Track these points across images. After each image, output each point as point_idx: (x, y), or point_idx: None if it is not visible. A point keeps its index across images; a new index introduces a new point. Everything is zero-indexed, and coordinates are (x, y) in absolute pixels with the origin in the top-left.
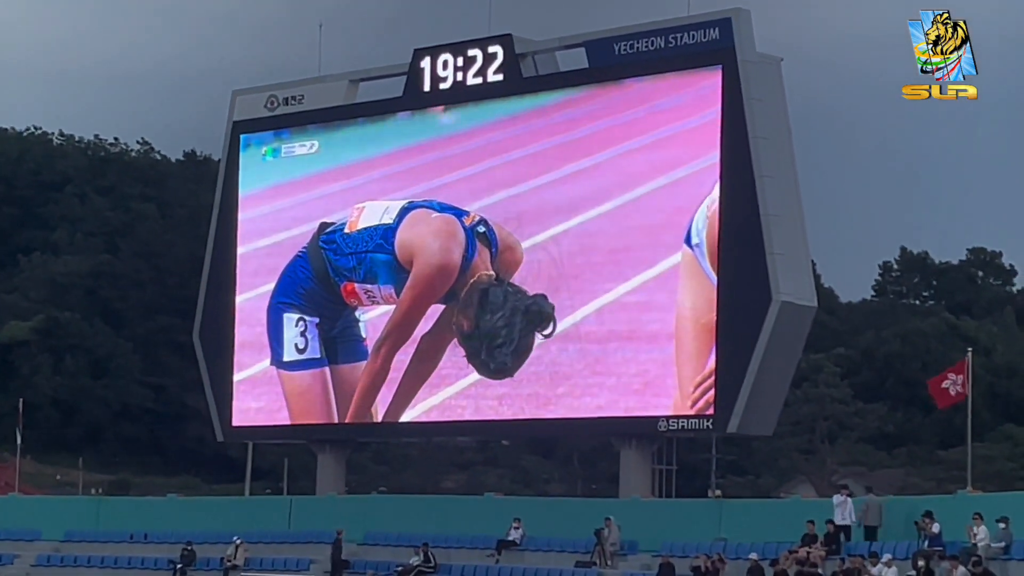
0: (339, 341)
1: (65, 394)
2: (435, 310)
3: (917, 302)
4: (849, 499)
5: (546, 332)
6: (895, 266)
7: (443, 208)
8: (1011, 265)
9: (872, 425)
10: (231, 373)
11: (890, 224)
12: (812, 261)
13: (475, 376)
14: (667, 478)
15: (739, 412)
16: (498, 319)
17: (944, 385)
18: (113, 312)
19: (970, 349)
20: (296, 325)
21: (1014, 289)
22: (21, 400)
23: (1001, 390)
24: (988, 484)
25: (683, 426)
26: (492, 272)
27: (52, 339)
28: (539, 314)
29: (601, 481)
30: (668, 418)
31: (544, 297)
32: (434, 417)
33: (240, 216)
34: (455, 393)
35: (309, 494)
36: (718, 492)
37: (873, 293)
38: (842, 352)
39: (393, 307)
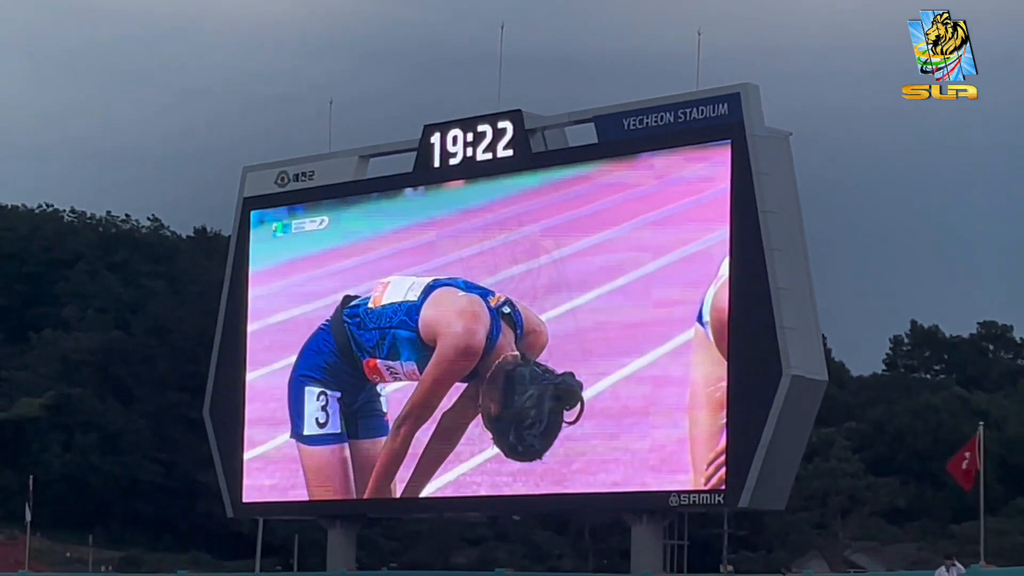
0: (360, 416)
1: (75, 470)
2: (457, 387)
3: (928, 376)
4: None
5: (571, 418)
6: (906, 340)
7: (468, 287)
8: (1022, 339)
9: (884, 499)
10: (241, 449)
11: (900, 298)
12: (823, 335)
13: (491, 452)
14: (679, 553)
15: (751, 486)
16: (526, 399)
17: (964, 466)
18: (124, 388)
19: (981, 423)
20: (318, 399)
21: None
22: (31, 477)
23: (1014, 464)
24: (1001, 558)
25: (694, 501)
26: (517, 352)
27: (63, 416)
28: (568, 392)
29: (612, 557)
30: (680, 493)
31: (571, 375)
32: (449, 493)
33: (251, 293)
34: (470, 469)
35: (320, 571)
36: (730, 567)
37: (884, 367)
38: (853, 426)
39: (415, 383)
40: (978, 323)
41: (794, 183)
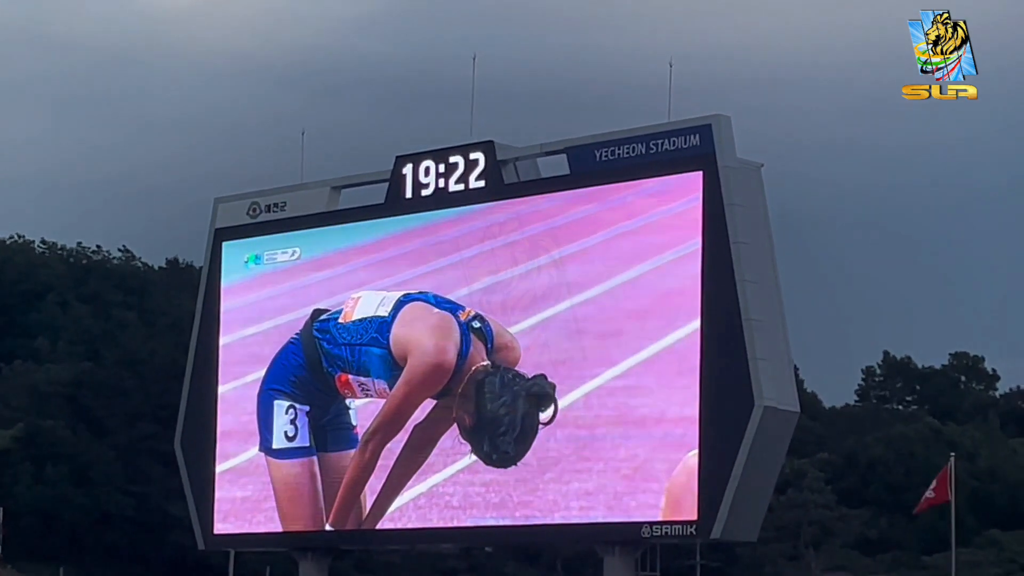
0: (329, 429)
1: (46, 503)
2: (429, 401)
3: (900, 407)
4: None
5: (546, 419)
6: (878, 371)
7: (439, 302)
8: (993, 370)
9: (856, 530)
10: (213, 482)
11: (872, 328)
12: (795, 366)
13: (464, 462)
14: None
15: (723, 518)
16: (499, 406)
17: (926, 495)
18: (95, 420)
19: (953, 454)
20: (286, 413)
21: (997, 394)
22: (2, 509)
23: (985, 495)
24: None
25: (667, 532)
26: (488, 362)
27: (34, 448)
28: (541, 394)
29: None
30: (652, 524)
31: (544, 377)
32: (422, 504)
33: (223, 306)
34: (442, 480)
35: None
36: None
37: (856, 398)
38: (826, 457)
39: (384, 400)
40: (950, 354)
41: (766, 214)
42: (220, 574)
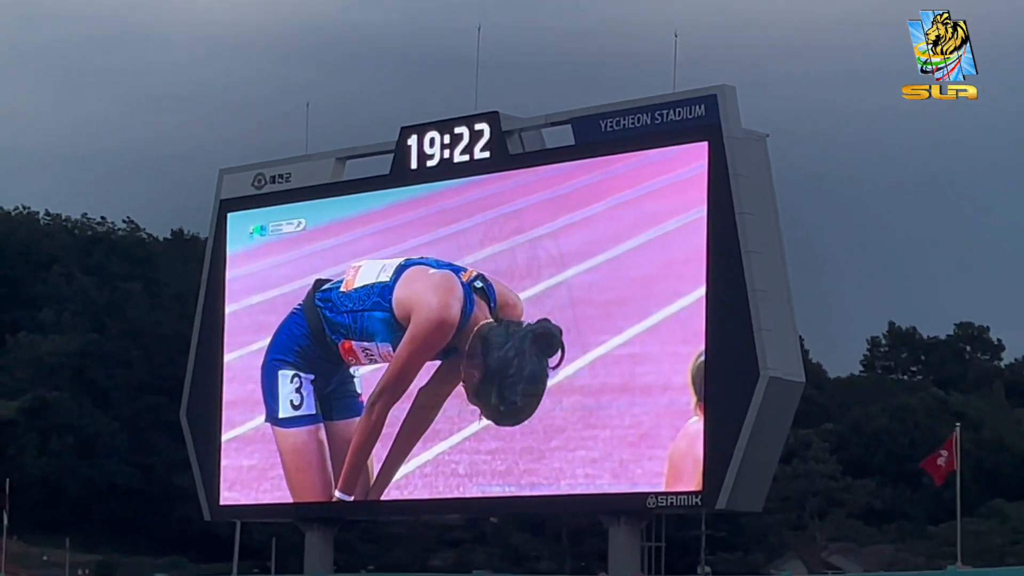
0: (334, 397)
1: (52, 474)
2: (434, 364)
3: (905, 377)
4: None
5: (554, 363)
6: (883, 341)
7: (440, 265)
8: (999, 340)
9: (861, 501)
10: (219, 452)
11: (878, 299)
12: (800, 336)
13: (469, 430)
14: (656, 555)
15: (728, 488)
16: (507, 350)
17: (939, 462)
18: (100, 391)
19: (958, 424)
20: (291, 382)
21: (1002, 364)
22: (7, 480)
23: (990, 465)
24: (978, 560)
25: (672, 502)
26: (492, 319)
27: (39, 419)
28: (547, 335)
29: (590, 558)
30: (657, 495)
31: (548, 320)
32: (428, 471)
33: (229, 274)
34: (449, 448)
35: (297, 574)
36: (707, 569)
37: (861, 368)
38: (831, 427)
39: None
40: (955, 324)
41: (771, 185)
42: (226, 545)
